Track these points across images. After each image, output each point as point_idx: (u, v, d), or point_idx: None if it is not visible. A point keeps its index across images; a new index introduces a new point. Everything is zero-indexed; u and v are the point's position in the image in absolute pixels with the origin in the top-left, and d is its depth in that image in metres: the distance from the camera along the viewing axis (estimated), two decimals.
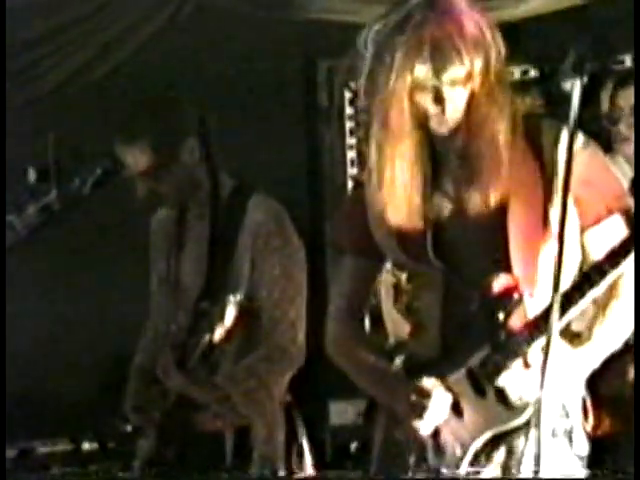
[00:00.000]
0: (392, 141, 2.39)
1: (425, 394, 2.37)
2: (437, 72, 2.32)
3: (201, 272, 3.20)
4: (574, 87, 2.17)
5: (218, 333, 2.96)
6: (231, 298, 2.95)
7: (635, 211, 2.35)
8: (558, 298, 2.13)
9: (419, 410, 2.38)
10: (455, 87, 2.34)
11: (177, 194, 3.24)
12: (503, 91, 2.39)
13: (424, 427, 2.40)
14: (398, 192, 2.41)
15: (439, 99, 2.35)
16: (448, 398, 2.38)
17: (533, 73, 4.12)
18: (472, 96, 2.37)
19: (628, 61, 4.40)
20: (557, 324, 2.13)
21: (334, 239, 2.71)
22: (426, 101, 2.36)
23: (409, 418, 2.40)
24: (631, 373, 3.62)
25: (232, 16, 4.62)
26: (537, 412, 2.11)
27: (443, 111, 2.36)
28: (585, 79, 2.16)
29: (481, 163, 2.38)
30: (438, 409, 2.38)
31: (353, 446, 4.25)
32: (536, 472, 2.12)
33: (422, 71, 2.32)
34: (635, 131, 3.79)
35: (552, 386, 2.17)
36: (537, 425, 2.10)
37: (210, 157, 3.27)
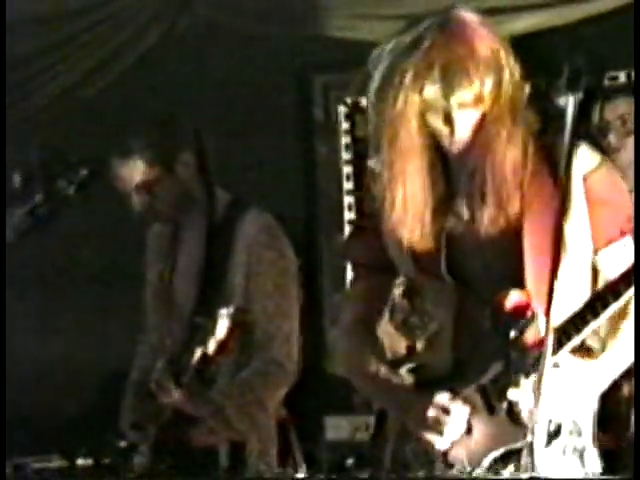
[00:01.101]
0: (401, 161, 2.40)
1: (444, 410, 2.36)
2: (446, 95, 2.33)
3: (195, 286, 3.19)
4: (569, 103, 2.17)
5: (212, 346, 2.95)
6: (224, 311, 2.95)
7: (635, 213, 2.33)
8: (550, 325, 2.12)
9: (437, 425, 2.37)
10: (464, 109, 2.35)
11: (172, 208, 3.24)
12: (516, 111, 2.39)
13: (441, 442, 2.39)
14: (410, 211, 2.41)
15: (449, 120, 2.36)
16: (466, 412, 2.37)
17: (528, 89, 4.13)
18: (483, 116, 2.37)
19: (622, 77, 4.41)
20: (550, 350, 2.12)
21: (347, 252, 2.70)
22: (436, 122, 2.36)
23: (425, 433, 2.39)
24: (625, 389, 3.63)
25: (227, 31, 4.63)
26: (531, 433, 2.10)
27: (453, 132, 2.37)
28: (580, 95, 2.17)
29: (491, 184, 2.38)
30: (457, 424, 2.37)
31: (349, 462, 4.24)
32: None
33: (431, 93, 2.33)
34: (635, 134, 3.82)
35: (554, 405, 2.16)
36: (531, 447, 2.09)
37: (205, 171, 3.26)
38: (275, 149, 4.69)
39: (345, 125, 4.84)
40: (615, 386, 3.48)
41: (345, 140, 4.84)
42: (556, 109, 2.19)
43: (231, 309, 2.95)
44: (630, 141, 3.88)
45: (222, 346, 2.96)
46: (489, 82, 2.34)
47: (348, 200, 4.80)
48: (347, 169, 4.83)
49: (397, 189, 2.41)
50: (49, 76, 4.61)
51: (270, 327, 3.12)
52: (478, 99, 2.34)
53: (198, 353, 2.97)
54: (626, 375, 3.52)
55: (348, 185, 4.83)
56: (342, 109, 4.83)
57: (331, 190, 4.84)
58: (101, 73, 4.62)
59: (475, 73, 2.32)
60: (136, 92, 4.57)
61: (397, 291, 2.59)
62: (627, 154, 3.88)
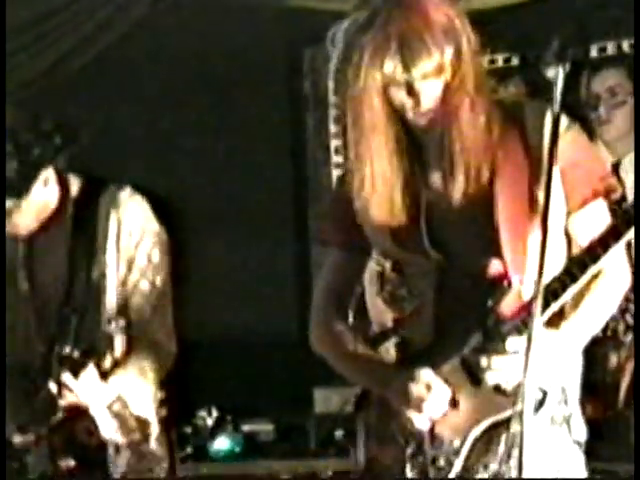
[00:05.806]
0: (365, 138, 2.39)
1: (426, 387, 2.36)
2: (407, 67, 2.32)
3: (61, 278, 2.98)
4: (557, 74, 2.16)
5: (108, 363, 2.83)
6: (114, 325, 2.84)
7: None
8: (541, 287, 2.12)
9: (417, 403, 2.36)
10: (427, 80, 2.34)
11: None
12: (477, 79, 2.37)
13: (421, 421, 2.38)
14: (378, 189, 2.41)
15: (412, 92, 2.35)
16: (447, 392, 2.37)
17: (515, 61, 4.13)
18: (446, 86, 2.36)
19: (610, 48, 4.41)
20: (539, 318, 2.12)
21: (319, 233, 2.69)
22: (400, 95, 2.36)
23: (406, 409, 2.38)
24: (613, 360, 3.64)
25: (215, 3, 4.61)
26: (521, 401, 2.10)
27: (418, 104, 2.36)
28: (568, 66, 2.16)
29: (458, 152, 2.37)
30: (437, 403, 2.37)
31: (338, 434, 4.25)
32: (520, 462, 2.11)
33: (391, 67, 2.32)
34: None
35: (540, 373, 2.16)
36: (520, 415, 2.09)
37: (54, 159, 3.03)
38: (263, 121, 4.68)
39: (333, 98, 4.83)
40: (602, 356, 3.51)
41: (333, 113, 4.83)
42: (542, 80, 2.19)
43: (121, 322, 2.84)
44: (619, 113, 3.88)
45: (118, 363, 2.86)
46: (448, 51, 2.33)
47: (337, 173, 4.80)
48: (335, 142, 4.83)
49: (363, 166, 2.41)
50: (33, 51, 4.59)
51: (147, 308, 2.97)
52: (439, 68, 2.33)
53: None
54: (614, 345, 3.55)
55: (337, 158, 4.83)
56: (330, 81, 4.82)
57: (319, 163, 4.84)
58: (86, 48, 4.59)
59: (433, 42, 2.31)
60: (121, 67, 4.55)
61: (387, 264, 2.58)
62: (616, 126, 3.88)
